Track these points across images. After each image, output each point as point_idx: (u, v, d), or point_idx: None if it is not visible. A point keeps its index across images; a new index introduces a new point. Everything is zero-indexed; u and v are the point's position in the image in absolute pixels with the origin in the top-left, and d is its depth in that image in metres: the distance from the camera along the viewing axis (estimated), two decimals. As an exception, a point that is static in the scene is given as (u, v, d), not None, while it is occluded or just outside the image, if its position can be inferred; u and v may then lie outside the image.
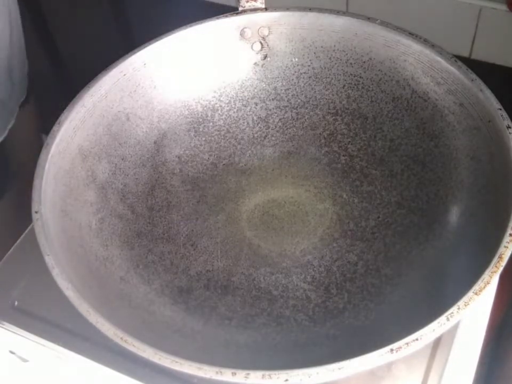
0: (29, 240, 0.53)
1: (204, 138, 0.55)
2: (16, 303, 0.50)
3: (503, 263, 0.37)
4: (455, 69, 0.47)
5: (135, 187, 0.52)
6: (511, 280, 0.45)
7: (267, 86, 0.55)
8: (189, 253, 0.50)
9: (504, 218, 0.39)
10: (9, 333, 0.50)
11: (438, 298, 0.41)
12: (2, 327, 0.50)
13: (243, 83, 0.55)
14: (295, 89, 0.55)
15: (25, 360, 0.55)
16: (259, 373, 0.34)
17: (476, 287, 0.36)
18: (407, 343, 0.34)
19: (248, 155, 0.55)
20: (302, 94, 0.55)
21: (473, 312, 0.46)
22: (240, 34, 0.54)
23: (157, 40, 0.52)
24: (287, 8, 0.52)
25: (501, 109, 0.44)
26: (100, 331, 0.37)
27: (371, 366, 0.34)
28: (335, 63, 0.53)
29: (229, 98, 0.56)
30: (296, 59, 0.54)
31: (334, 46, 0.52)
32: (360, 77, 0.52)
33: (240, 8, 0.53)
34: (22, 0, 0.61)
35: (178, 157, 0.54)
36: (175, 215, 0.52)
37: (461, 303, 0.35)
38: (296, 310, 0.46)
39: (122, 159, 0.51)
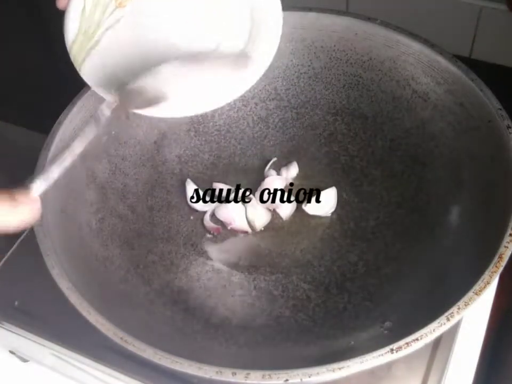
0: (29, 240, 0.53)
1: (204, 138, 0.55)
2: (16, 303, 0.50)
3: (503, 263, 0.37)
4: (455, 69, 0.47)
5: (135, 187, 0.52)
6: (511, 280, 0.45)
7: (267, 86, 0.55)
8: (189, 253, 0.50)
9: (504, 218, 0.39)
10: (9, 333, 0.50)
11: (438, 298, 0.41)
12: (2, 327, 0.50)
13: (243, 83, 0.55)
14: (295, 89, 0.55)
15: (25, 360, 0.55)
16: (259, 373, 0.34)
17: (476, 287, 0.36)
18: (407, 343, 0.34)
19: (248, 155, 0.55)
20: (302, 94, 0.55)
21: (473, 312, 0.46)
22: (240, 34, 0.53)
23: (157, 40, 0.52)
24: (287, 8, 0.52)
25: (501, 109, 0.44)
26: (99, 331, 0.37)
27: (371, 366, 0.34)
28: (335, 63, 0.53)
29: (229, 98, 0.55)
30: (296, 59, 0.54)
31: (334, 46, 0.52)
32: (360, 77, 0.52)
33: (240, 8, 0.53)
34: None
35: (178, 157, 0.54)
36: (175, 215, 0.52)
37: (461, 303, 0.36)
38: (296, 310, 0.46)
39: (122, 159, 0.51)
